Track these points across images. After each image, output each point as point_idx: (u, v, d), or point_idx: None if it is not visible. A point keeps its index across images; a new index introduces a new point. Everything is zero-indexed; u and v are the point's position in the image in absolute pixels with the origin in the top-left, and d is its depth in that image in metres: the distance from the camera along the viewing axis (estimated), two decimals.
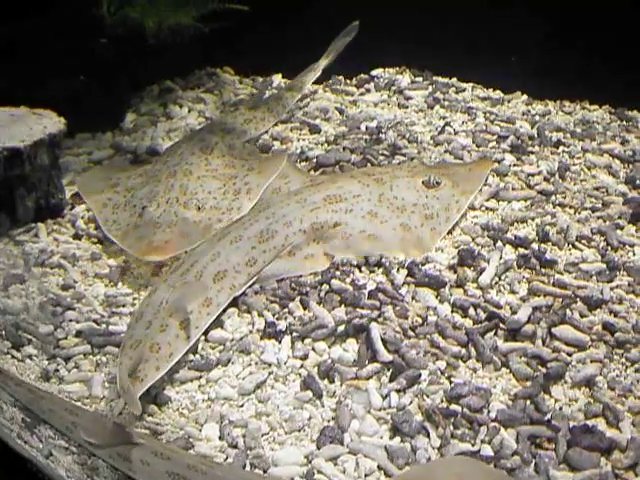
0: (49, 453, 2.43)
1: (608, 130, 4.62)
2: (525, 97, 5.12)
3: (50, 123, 3.52)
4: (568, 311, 2.95)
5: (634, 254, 3.42)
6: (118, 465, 2.35)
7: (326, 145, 4.41)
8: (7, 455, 2.37)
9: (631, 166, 4.19)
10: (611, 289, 3.14)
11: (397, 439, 2.45)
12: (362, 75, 5.45)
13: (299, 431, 2.48)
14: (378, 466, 2.35)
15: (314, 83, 5.25)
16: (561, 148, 4.30)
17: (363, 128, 4.60)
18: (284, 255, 3.13)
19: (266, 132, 4.58)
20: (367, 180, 3.53)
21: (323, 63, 5.02)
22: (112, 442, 2.35)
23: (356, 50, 5.16)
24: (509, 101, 5.07)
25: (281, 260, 3.11)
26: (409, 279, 3.11)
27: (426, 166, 3.90)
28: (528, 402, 2.57)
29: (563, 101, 5.05)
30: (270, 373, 2.69)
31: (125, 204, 3.43)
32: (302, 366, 2.71)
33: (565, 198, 3.80)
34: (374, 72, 5.46)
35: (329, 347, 2.78)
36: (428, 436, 2.44)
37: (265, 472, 2.32)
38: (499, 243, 3.38)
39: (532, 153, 4.22)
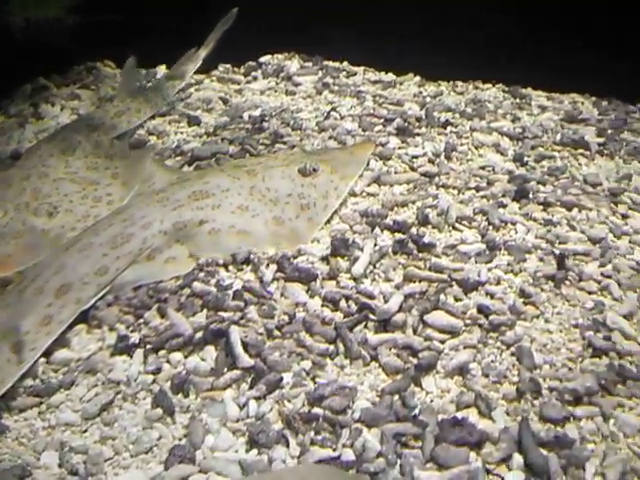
0: None
1: (500, 108, 4.56)
2: (418, 78, 5.01)
3: None
4: (442, 296, 2.81)
5: (516, 232, 3.32)
6: None
7: (205, 137, 4.18)
8: None
9: (520, 143, 4.11)
10: (489, 270, 3.03)
11: (254, 451, 2.25)
12: (250, 62, 5.22)
13: (146, 453, 2.27)
14: None
15: (199, 73, 5.01)
16: (449, 128, 4.19)
17: (246, 117, 4.39)
18: (142, 260, 2.89)
19: (142, 126, 4.31)
20: (238, 173, 3.33)
21: (203, 53, 4.78)
22: None
23: (245, 37, 4.94)
24: (401, 83, 4.96)
25: (138, 265, 2.87)
26: (279, 274, 2.92)
27: (304, 153, 3.72)
28: (396, 397, 2.42)
29: (456, 81, 4.95)
30: (118, 392, 2.46)
31: None
32: (154, 381, 2.49)
33: (449, 179, 3.69)
34: (262, 59, 5.26)
35: (185, 357, 2.57)
36: (287, 445, 2.27)
37: None
38: (377, 230, 3.22)
39: (418, 135, 4.10)
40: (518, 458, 2.23)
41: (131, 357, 2.58)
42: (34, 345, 2.53)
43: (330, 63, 5.25)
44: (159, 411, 2.38)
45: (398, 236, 3.19)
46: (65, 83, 5.01)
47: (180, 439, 2.32)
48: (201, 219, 3.05)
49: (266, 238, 3.05)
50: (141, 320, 2.72)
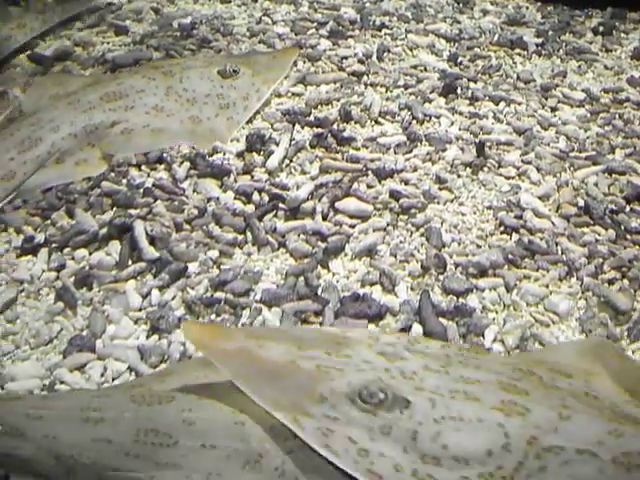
0: None
1: (440, 12, 4.45)
2: None
3: None
4: (355, 184, 2.78)
5: (440, 125, 3.28)
6: None
7: (131, 46, 4.06)
8: None
9: (456, 44, 4.03)
10: (407, 160, 3.00)
11: (154, 337, 2.26)
12: None
13: (46, 345, 2.27)
14: (128, 367, 2.16)
15: None
16: (384, 31, 4.10)
17: (175, 25, 4.26)
18: (51, 163, 2.83)
19: (68, 37, 4.19)
20: (154, 74, 3.24)
21: None
22: None
23: None
24: None
25: (47, 169, 2.81)
26: (192, 172, 2.88)
27: (225, 56, 3.62)
28: (300, 279, 2.41)
29: None
30: (21, 291, 2.44)
31: None
32: (57, 278, 2.47)
33: (377, 78, 3.62)
34: None
35: (90, 254, 2.54)
36: None
37: (2, 388, 2.11)
38: (297, 127, 3.17)
39: (351, 37, 4.01)
40: (417, 328, 2.25)
41: (36, 256, 2.55)
42: None
43: None
44: (61, 305, 2.37)
45: (317, 131, 3.13)
46: None
47: (82, 330, 2.31)
48: (113, 120, 2.98)
49: (181, 136, 2.99)
50: (48, 221, 2.69)
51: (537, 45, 4.06)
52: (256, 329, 2.22)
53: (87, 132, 2.93)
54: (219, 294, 2.37)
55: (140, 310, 2.35)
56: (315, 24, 4.23)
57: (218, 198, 2.77)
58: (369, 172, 2.89)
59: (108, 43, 4.16)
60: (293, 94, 3.51)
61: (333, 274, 2.49)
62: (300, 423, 1.72)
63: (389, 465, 1.66)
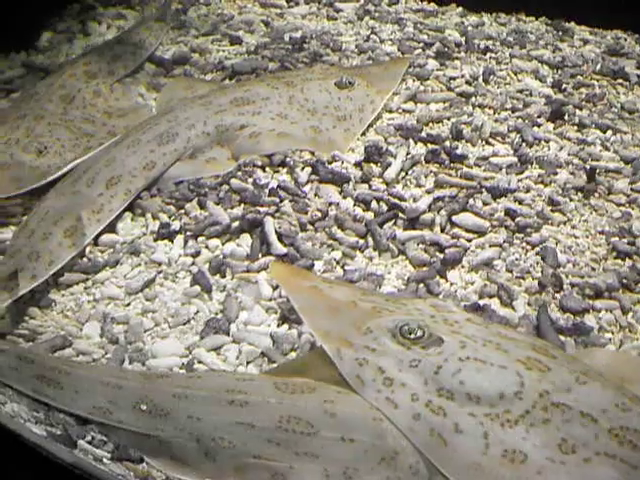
0: None
1: (541, 39, 4.54)
2: (460, 9, 4.99)
3: None
4: (471, 200, 2.89)
5: (549, 149, 3.37)
6: None
7: (246, 55, 4.27)
8: None
9: (560, 71, 4.11)
10: (519, 180, 3.09)
11: (285, 327, 2.40)
12: None
13: (184, 324, 2.43)
14: (262, 352, 2.30)
15: None
16: (488, 55, 4.21)
17: (287, 39, 4.46)
18: (185, 158, 3.02)
19: (185, 43, 4.42)
20: (277, 83, 3.41)
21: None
22: None
23: None
24: (443, 13, 4.95)
25: (181, 163, 3.01)
26: (313, 177, 3.03)
27: (339, 68, 3.78)
28: (421, 285, 2.53)
29: (499, 13, 4.92)
30: (159, 272, 2.62)
31: None
32: (193, 263, 2.64)
33: (485, 100, 3.72)
34: None
35: (222, 244, 2.71)
36: None
37: (143, 364, 2.27)
38: (410, 141, 3.30)
39: (457, 59, 4.13)
40: None
41: (172, 242, 2.73)
42: (85, 231, 2.69)
43: None
44: (197, 288, 2.53)
45: (431, 147, 3.25)
46: (111, 3, 5.12)
47: (216, 313, 2.46)
48: (242, 124, 3.16)
49: (304, 142, 3.15)
50: (182, 211, 2.87)
51: (638, 76, 4.10)
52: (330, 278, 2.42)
53: (218, 132, 3.12)
54: None
55: (270, 300, 2.49)
56: (422, 44, 4.37)
57: (338, 203, 2.91)
58: (483, 190, 2.98)
59: (224, 51, 4.38)
60: (404, 110, 3.64)
61: (451, 284, 2.59)
62: (341, 353, 1.97)
63: (407, 395, 1.87)
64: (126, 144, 3.00)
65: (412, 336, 1.96)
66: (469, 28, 4.67)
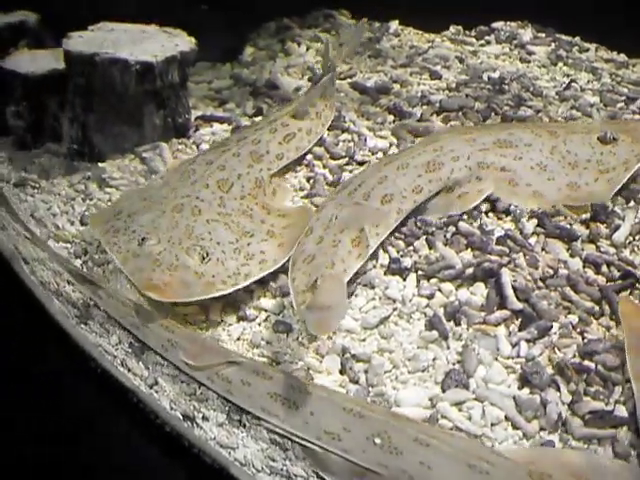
0: (154, 382, 2.37)
1: None
2: None
3: (182, 42, 3.48)
4: None
5: None
6: (217, 387, 2.30)
7: (447, 91, 4.27)
8: (109, 384, 2.31)
9: None
10: None
11: (526, 390, 2.33)
12: (482, 27, 5.25)
13: (423, 371, 2.40)
14: (505, 416, 2.24)
15: (430, 32, 5.11)
16: None
17: (485, 78, 4.45)
18: (443, 191, 3.07)
19: (385, 73, 4.45)
20: (540, 131, 3.38)
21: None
22: (210, 362, 2.30)
23: (473, 2, 4.96)
24: (634, 65, 4.83)
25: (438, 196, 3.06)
26: (539, 229, 2.97)
27: (602, 122, 3.72)
28: None
29: None
30: (394, 309, 2.61)
31: (125, 228, 2.81)
32: (428, 305, 2.62)
33: None
34: (495, 24, 5.26)
35: (456, 289, 2.68)
36: (559, 390, 2.32)
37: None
38: (631, 203, 3.18)
39: None
40: None
41: (404, 279, 2.72)
42: (368, 242, 2.72)
43: (563, 36, 5.17)
44: (434, 333, 2.50)
45: None
46: (304, 25, 5.24)
47: (454, 364, 2.43)
48: (503, 166, 3.14)
49: (558, 201, 3.09)
50: (411, 247, 2.86)
51: None
52: None
53: (480, 167, 3.14)
54: (588, 363, 2.40)
55: (508, 358, 2.43)
56: (624, 98, 4.25)
57: (566, 262, 2.82)
58: None
59: (425, 85, 4.39)
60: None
61: None
62: None
63: None
64: (396, 165, 3.07)
65: None
66: None
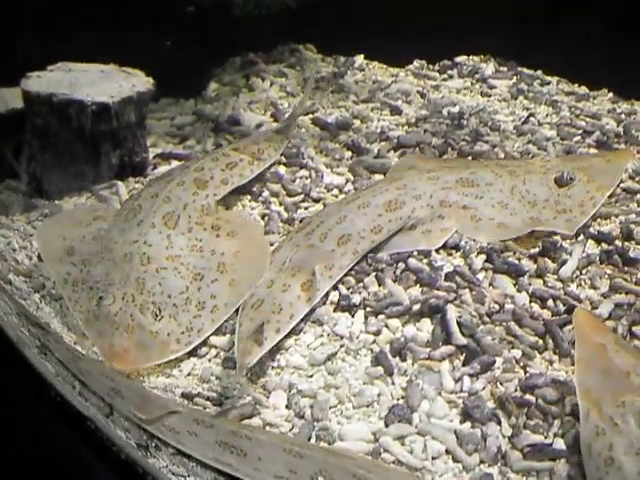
0: (109, 412, 2.38)
1: None
2: (611, 95, 4.97)
3: (139, 82, 3.55)
4: None
5: None
6: (169, 439, 2.30)
7: (407, 127, 4.36)
8: (67, 412, 2.31)
9: None
10: None
11: (467, 424, 2.38)
12: (445, 61, 5.37)
13: (367, 407, 2.45)
14: (446, 450, 2.28)
15: (394, 66, 5.22)
16: None
17: (445, 113, 4.54)
18: (404, 229, 3.10)
19: (346, 109, 4.54)
20: (500, 171, 3.45)
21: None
22: (156, 413, 2.31)
23: (438, 37, 5.08)
24: (594, 98, 4.95)
25: (400, 233, 3.10)
26: (487, 265, 3.03)
27: (561, 158, 3.79)
28: None
29: None
30: (342, 346, 2.66)
31: (82, 282, 2.82)
32: (374, 342, 2.67)
33: None
34: (458, 59, 5.39)
35: (403, 325, 2.74)
36: (499, 424, 2.37)
37: (329, 445, 2.30)
38: (581, 237, 3.26)
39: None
40: None
41: (352, 316, 2.77)
42: (319, 286, 2.75)
43: (525, 70, 5.30)
44: (380, 369, 2.55)
45: (604, 246, 3.21)
46: (270, 60, 5.33)
47: (398, 399, 2.47)
48: (465, 204, 3.21)
49: (522, 231, 3.17)
50: (361, 284, 2.92)
51: None
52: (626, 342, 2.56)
53: (442, 206, 3.20)
54: (529, 397, 2.45)
55: (452, 393, 2.48)
56: (581, 131, 4.36)
57: (513, 297, 2.89)
58: None
59: (385, 120, 4.48)
60: None
61: None
62: (589, 416, 2.11)
63: None
64: (357, 204, 3.10)
65: None
66: (623, 116, 4.64)
